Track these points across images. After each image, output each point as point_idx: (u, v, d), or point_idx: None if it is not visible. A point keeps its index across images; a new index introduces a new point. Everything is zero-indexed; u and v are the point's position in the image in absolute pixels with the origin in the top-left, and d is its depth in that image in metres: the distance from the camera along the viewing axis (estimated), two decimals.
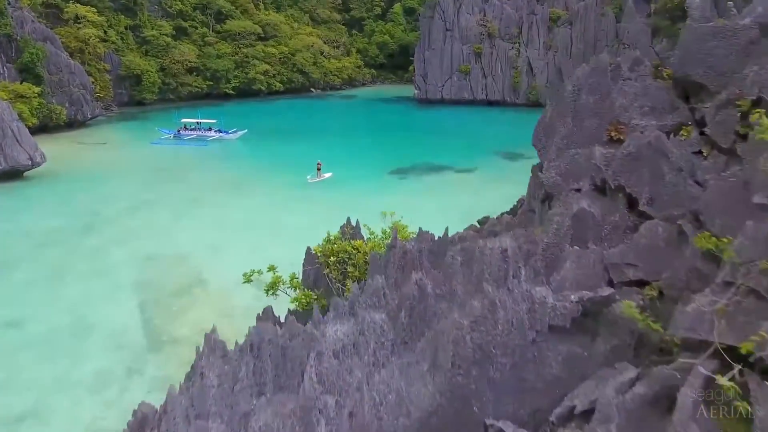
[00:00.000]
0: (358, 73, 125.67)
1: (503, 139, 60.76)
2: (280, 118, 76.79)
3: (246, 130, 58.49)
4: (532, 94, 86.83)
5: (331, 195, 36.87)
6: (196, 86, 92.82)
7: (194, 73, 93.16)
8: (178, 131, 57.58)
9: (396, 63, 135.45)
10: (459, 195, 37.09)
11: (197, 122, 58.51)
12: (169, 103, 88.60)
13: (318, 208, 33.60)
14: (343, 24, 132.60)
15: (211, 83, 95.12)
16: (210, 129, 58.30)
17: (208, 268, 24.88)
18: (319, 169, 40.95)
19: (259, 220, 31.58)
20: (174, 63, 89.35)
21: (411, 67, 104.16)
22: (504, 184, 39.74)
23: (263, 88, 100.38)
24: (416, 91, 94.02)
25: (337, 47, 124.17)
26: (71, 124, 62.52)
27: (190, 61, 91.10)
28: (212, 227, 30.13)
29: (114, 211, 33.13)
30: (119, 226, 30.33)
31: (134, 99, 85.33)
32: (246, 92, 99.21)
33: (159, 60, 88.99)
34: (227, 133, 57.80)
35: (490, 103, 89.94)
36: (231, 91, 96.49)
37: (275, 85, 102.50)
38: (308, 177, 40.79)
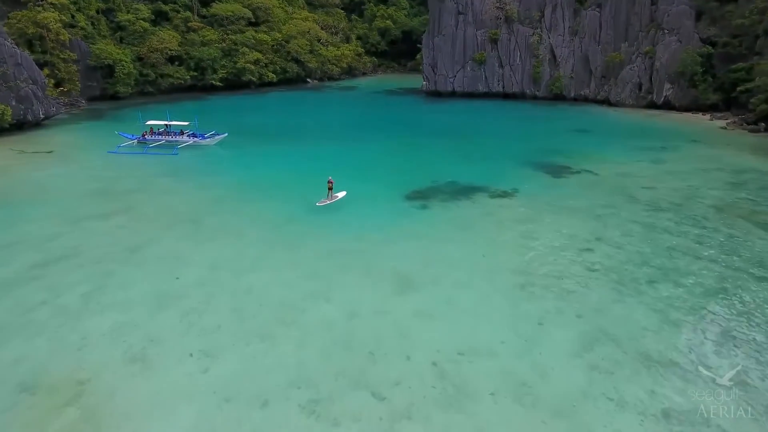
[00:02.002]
0: (359, 62, 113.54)
1: (535, 142, 49.48)
2: (270, 115, 65.21)
3: (226, 134, 46.96)
4: (555, 86, 75.24)
5: (332, 238, 25.80)
6: (179, 77, 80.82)
7: (176, 63, 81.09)
8: (143, 136, 46.08)
9: (399, 50, 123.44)
10: (504, 237, 26.01)
11: (166, 125, 47.01)
12: (148, 97, 76.90)
13: (315, 267, 22.59)
14: (342, 8, 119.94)
15: (196, 74, 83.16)
16: (182, 133, 46.82)
17: (120, 418, 13.85)
18: (330, 188, 30.08)
19: (225, 294, 20.45)
20: (153, 51, 77.26)
21: (418, 55, 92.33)
22: (560, 215, 28.72)
23: (254, 79, 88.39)
24: (424, 83, 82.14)
25: (336, 33, 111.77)
26: (20, 126, 50.93)
27: (171, 50, 78.96)
28: (146, 315, 18.91)
29: (9, 272, 21.95)
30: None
31: (107, 93, 73.49)
32: (235, 84, 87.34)
33: (135, 48, 76.87)
34: (203, 137, 46.33)
35: (506, 96, 78.32)
36: (218, 83, 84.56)
37: (267, 76, 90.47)
38: (317, 202, 29.97)
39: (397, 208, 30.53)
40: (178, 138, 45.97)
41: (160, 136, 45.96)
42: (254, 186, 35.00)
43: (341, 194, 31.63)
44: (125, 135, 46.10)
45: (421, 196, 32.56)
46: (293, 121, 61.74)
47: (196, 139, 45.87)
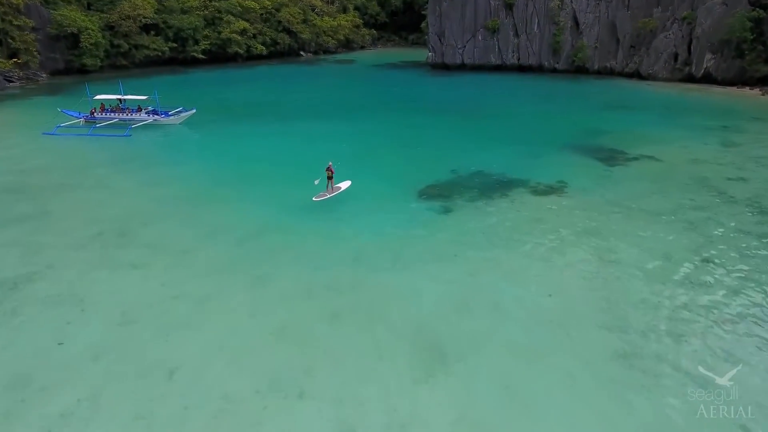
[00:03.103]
0: (356, 34, 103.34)
1: (568, 121, 40.62)
2: (256, 90, 56.00)
3: (194, 110, 37.99)
4: (578, 58, 65.84)
5: (319, 261, 17.32)
6: (155, 49, 71.04)
7: (152, 33, 71.20)
8: (91, 114, 37.07)
9: (400, 23, 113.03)
10: (569, 260, 17.57)
11: (120, 100, 37.97)
12: (121, 71, 67.30)
13: (286, 319, 14.13)
14: None
15: (175, 45, 73.33)
16: (139, 109, 37.80)
17: None
18: (330, 177, 21.52)
19: (129, 380, 12.04)
20: (124, 19, 67.34)
21: (423, 23, 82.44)
22: (635, 221, 20.23)
23: (241, 51, 78.64)
24: (430, 54, 72.55)
25: (332, 2, 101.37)
26: None
27: (145, 17, 69.00)
28: None
29: None
30: None
31: (73, 66, 63.90)
32: (220, 57, 77.67)
33: (104, 15, 66.87)
34: (166, 114, 37.36)
35: (521, 69, 68.98)
36: (200, 55, 74.87)
37: (256, 48, 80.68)
38: (315, 196, 21.42)
39: (409, 210, 21.91)
40: (135, 116, 37.00)
41: (112, 114, 36.96)
42: (222, 178, 26.32)
43: (345, 185, 23.32)
44: (69, 113, 37.10)
45: (441, 192, 23.92)
46: (282, 96, 52.64)
47: (156, 116, 36.91)
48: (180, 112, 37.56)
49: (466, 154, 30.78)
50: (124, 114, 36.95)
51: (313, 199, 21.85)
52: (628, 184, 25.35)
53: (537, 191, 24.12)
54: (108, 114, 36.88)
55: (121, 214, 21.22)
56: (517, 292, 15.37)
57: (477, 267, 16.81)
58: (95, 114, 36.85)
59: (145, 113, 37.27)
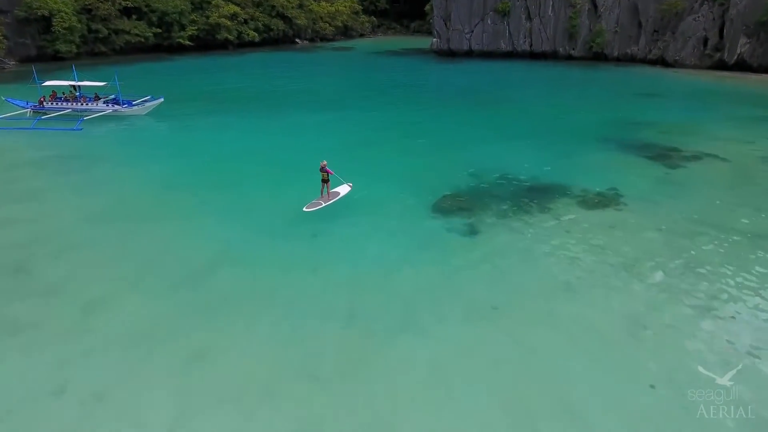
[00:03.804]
0: (355, 21, 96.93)
1: (601, 112, 34.68)
2: (244, 78, 49.91)
3: (162, 99, 31.99)
4: (596, 43, 59.62)
5: (293, 320, 11.54)
6: (138, 34, 64.75)
7: (134, 17, 65.00)
8: (40, 103, 31.01)
9: (401, 10, 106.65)
10: (664, 321, 11.74)
11: (73, 87, 31.95)
12: (100, 58, 61.30)
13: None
14: None
15: (159, 31, 67.06)
16: (96, 98, 31.76)
17: None
18: (325, 180, 16.80)
19: None
20: (102, 2, 61.09)
21: (427, 6, 76.14)
22: (730, 244, 14.14)
23: (231, 37, 72.38)
24: (434, 40, 66.29)
25: None
26: None
27: (125, 0, 62.89)
28: None
29: None
30: None
31: (46, 52, 57.70)
32: (209, 44, 71.50)
33: None
34: (129, 104, 31.36)
35: (534, 56, 62.78)
36: (187, 42, 68.61)
37: (248, 34, 74.42)
38: (306, 206, 16.50)
39: (422, 230, 16.03)
40: (91, 105, 30.97)
41: (65, 103, 30.89)
42: (182, 183, 20.42)
43: (344, 189, 17.85)
44: (15, 102, 31.06)
45: (461, 204, 18.02)
46: (272, 84, 46.57)
47: (117, 106, 30.88)
48: (146, 101, 31.51)
49: (485, 151, 24.85)
50: (79, 103, 30.87)
51: (304, 209, 16.21)
52: (700, 191, 19.44)
53: (586, 202, 18.21)
54: (59, 103, 30.81)
55: (30, 238, 15.34)
56: (600, 381, 9.54)
57: (530, 332, 10.95)
58: (44, 104, 30.80)
59: (104, 103, 31.23)
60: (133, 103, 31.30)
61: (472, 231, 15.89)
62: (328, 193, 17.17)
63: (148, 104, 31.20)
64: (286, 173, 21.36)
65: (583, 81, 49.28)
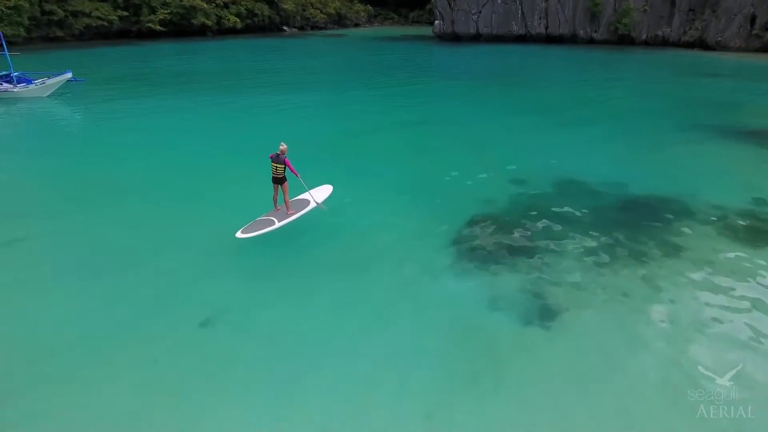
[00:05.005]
0: (350, 9, 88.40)
1: (664, 93, 26.35)
2: (210, 60, 41.47)
3: (69, 73, 23.62)
4: (622, 24, 51.27)
5: None
6: (100, 17, 56.18)
7: None
8: None
9: None
10: None
11: None
12: (56, 44, 52.79)
13: None
14: None
15: (126, 14, 58.55)
16: None
17: None
18: (280, 179, 8.91)
19: None
20: None
21: None
22: None
23: (210, 23, 63.84)
24: (437, 23, 57.80)
25: None
26: None
27: None
28: None
29: None
30: None
31: None
32: (185, 30, 62.96)
33: None
34: (26, 82, 22.99)
35: (549, 40, 54.44)
36: (158, 27, 60.02)
37: (228, 20, 65.89)
38: (240, 229, 8.45)
39: (442, 302, 7.69)
40: None
41: None
42: (56, 197, 12.08)
43: (321, 194, 9.96)
44: None
45: (504, 237, 9.67)
46: (242, 65, 38.12)
47: (8, 85, 22.47)
48: (50, 78, 23.06)
49: (531, 143, 16.53)
50: None
51: (237, 234, 8.55)
52: None
53: (733, 230, 9.92)
54: None
55: None
56: None
57: None
58: None
59: None
60: (33, 81, 22.85)
61: (537, 308, 7.54)
62: (285, 203, 9.03)
63: (49, 82, 22.74)
64: (223, 174, 13.07)
65: (621, 62, 40.99)
